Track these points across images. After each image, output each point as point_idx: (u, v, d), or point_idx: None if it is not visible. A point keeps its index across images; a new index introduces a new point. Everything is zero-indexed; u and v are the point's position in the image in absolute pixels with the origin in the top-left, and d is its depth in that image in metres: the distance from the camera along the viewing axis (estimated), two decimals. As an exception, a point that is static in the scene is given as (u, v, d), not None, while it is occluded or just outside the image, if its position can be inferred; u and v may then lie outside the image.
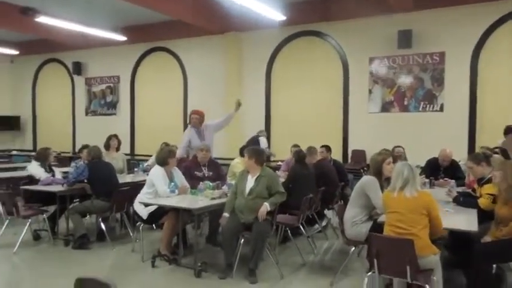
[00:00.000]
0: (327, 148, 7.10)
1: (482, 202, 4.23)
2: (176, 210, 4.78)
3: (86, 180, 5.64)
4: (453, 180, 5.65)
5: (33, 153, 11.74)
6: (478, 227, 3.69)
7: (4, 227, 5.51)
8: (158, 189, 5.03)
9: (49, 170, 6.28)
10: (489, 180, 4.34)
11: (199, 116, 6.72)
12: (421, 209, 3.39)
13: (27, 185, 5.92)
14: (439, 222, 3.45)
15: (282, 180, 5.77)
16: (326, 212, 6.50)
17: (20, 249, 5.32)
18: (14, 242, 5.36)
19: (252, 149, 4.90)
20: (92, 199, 5.60)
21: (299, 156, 6.06)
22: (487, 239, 3.87)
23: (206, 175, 5.66)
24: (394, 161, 4.34)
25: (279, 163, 8.07)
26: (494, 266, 3.81)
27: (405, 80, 8.80)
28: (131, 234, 5.81)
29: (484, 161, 4.55)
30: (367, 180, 4.31)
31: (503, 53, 8.02)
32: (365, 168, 7.76)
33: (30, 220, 5.57)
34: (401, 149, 6.58)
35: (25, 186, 5.86)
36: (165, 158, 5.22)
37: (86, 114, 13.05)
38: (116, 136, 7.22)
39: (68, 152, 12.14)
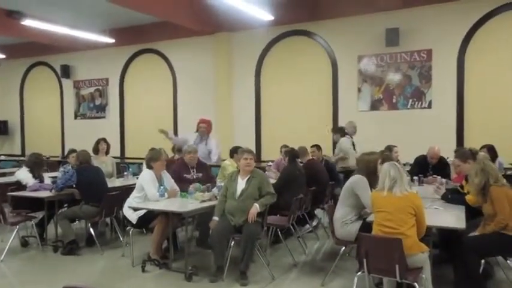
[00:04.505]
0: (318, 147, 7.12)
1: (470, 199, 4.26)
2: (166, 214, 4.76)
3: (74, 186, 5.59)
4: (440, 177, 5.70)
5: (22, 158, 11.63)
6: (466, 224, 3.72)
7: (-9, 234, 5.45)
8: (147, 193, 5.00)
9: (37, 175, 6.19)
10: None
11: (206, 125, 6.69)
12: (409, 209, 3.41)
13: (15, 191, 5.85)
14: (423, 224, 3.50)
15: (273, 181, 5.76)
16: (317, 211, 6.51)
17: (8, 256, 5.26)
18: (1, 249, 5.29)
19: (250, 150, 4.87)
20: (81, 204, 5.55)
21: (292, 154, 6.02)
22: (475, 234, 3.90)
23: (195, 177, 5.64)
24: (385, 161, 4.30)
25: (269, 163, 8.05)
26: (482, 261, 3.86)
27: (393, 78, 8.83)
28: (121, 238, 5.77)
29: (470, 158, 4.58)
30: (356, 180, 4.32)
31: (490, 50, 8.06)
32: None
33: (18, 227, 5.50)
34: (397, 148, 6.57)
35: (13, 193, 5.79)
36: (147, 162, 5.23)
37: (75, 117, 12.92)
38: (104, 140, 7.17)
39: (57, 156, 12.00)
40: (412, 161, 6.64)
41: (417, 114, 8.61)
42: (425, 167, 6.27)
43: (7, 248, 5.30)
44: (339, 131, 8.07)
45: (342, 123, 9.28)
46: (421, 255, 3.39)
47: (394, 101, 8.86)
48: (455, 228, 3.71)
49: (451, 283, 4.07)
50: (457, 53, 8.25)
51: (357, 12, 8.87)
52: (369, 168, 4.34)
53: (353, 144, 7.71)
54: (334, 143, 8.20)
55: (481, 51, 8.13)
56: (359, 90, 9.16)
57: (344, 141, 7.63)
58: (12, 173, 7.23)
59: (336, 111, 9.37)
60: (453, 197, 4.55)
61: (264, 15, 8.23)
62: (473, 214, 4.11)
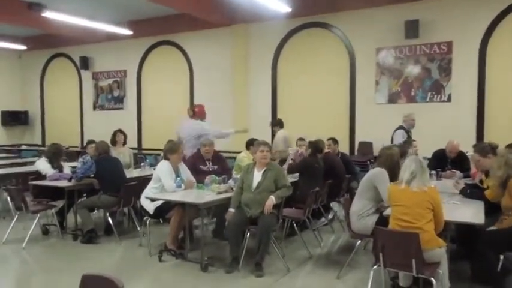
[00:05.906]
0: (334, 141, 7.07)
1: (489, 194, 4.19)
2: (183, 205, 4.81)
3: (93, 176, 5.69)
4: (459, 171, 5.61)
5: (42, 148, 11.86)
6: (485, 219, 3.66)
7: (13, 222, 5.59)
8: (164, 184, 5.06)
9: (56, 166, 6.30)
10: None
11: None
12: (427, 204, 3.38)
13: (36, 180, 5.98)
14: (441, 219, 3.46)
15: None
16: (332, 205, 6.50)
17: (29, 244, 5.39)
18: (23, 237, 5.43)
19: (266, 142, 4.87)
20: (100, 194, 5.65)
21: (315, 147, 5.95)
22: (493, 228, 3.85)
23: (211, 169, 5.68)
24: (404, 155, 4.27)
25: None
26: (501, 257, 3.79)
27: (412, 71, 8.70)
28: (138, 228, 5.85)
29: (490, 152, 4.50)
30: (377, 172, 4.29)
31: (513, 42, 7.89)
32: (371, 160, 7.70)
33: (39, 215, 5.63)
34: (416, 142, 6.47)
35: (33, 182, 5.92)
36: (164, 153, 5.35)
37: (94, 108, 13.10)
38: (120, 131, 7.26)
39: (76, 147, 12.21)
40: (430, 155, 6.55)
41: (436, 108, 8.47)
42: (443, 161, 6.18)
43: (28, 235, 5.43)
44: (278, 123, 8.15)
45: (358, 115, 9.23)
46: (438, 250, 3.35)
47: (412, 93, 8.74)
48: (473, 223, 3.66)
49: (468, 279, 4.03)
50: (479, 45, 8.07)
51: (376, 4, 8.75)
52: (392, 163, 4.31)
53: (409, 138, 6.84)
54: (273, 136, 8.45)
55: (503, 43, 7.93)
56: (377, 82, 9.06)
57: (398, 134, 6.99)
58: (32, 163, 7.39)
59: (352, 104, 9.29)
60: (472, 192, 4.48)
61: (281, 6, 8.17)
62: (493, 210, 4.04)
